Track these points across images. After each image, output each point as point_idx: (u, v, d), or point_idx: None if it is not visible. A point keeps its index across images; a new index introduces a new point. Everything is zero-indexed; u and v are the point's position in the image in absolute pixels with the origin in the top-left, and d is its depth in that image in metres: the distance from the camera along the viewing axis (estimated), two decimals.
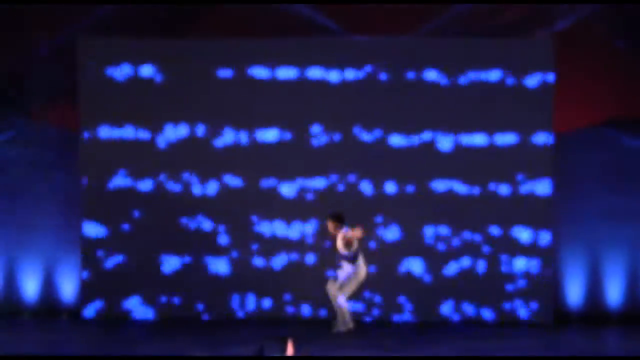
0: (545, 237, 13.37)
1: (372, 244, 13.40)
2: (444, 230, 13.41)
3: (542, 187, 13.33)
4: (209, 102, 13.51)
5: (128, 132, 13.62)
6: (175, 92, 13.49)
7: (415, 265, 13.41)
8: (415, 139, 13.42)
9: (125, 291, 13.61)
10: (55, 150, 13.77)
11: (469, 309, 13.44)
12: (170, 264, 13.63)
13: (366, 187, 13.52)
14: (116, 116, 13.52)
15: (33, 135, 13.79)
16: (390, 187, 13.48)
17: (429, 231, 13.41)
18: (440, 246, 13.40)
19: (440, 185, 13.41)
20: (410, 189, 13.42)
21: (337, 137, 13.44)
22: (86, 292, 13.63)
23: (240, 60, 13.47)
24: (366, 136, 13.48)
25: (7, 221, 13.79)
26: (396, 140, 13.46)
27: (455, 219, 13.36)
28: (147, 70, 13.57)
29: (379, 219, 13.42)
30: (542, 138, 13.32)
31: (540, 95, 13.26)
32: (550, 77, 13.29)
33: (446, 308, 13.50)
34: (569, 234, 13.42)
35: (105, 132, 13.60)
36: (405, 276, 13.37)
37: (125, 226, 13.63)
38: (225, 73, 13.54)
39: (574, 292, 13.50)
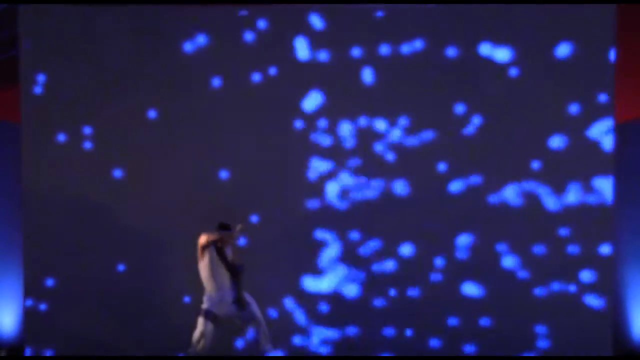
0: (603, 252, 11.31)
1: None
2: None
3: (601, 193, 11.24)
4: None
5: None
6: None
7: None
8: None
9: None
10: None
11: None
12: None
13: None
14: None
15: None
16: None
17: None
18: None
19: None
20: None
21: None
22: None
23: None
24: None
25: None
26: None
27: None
28: None
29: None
30: (599, 129, 11.19)
31: (597, 75, 11.14)
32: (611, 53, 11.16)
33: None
34: (634, 249, 11.57)
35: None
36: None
37: None
38: None
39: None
